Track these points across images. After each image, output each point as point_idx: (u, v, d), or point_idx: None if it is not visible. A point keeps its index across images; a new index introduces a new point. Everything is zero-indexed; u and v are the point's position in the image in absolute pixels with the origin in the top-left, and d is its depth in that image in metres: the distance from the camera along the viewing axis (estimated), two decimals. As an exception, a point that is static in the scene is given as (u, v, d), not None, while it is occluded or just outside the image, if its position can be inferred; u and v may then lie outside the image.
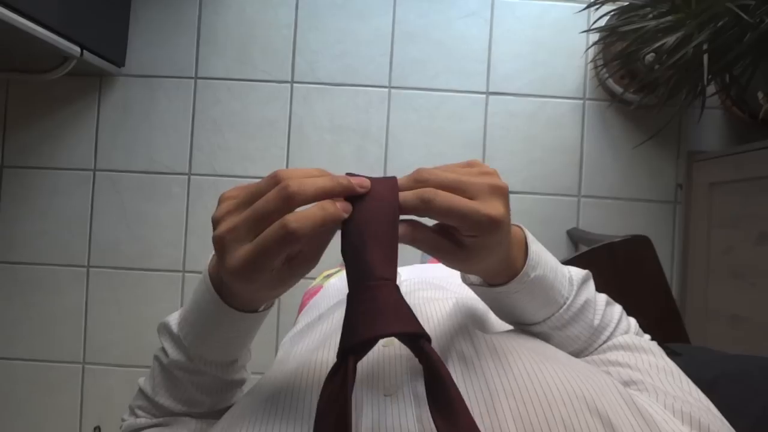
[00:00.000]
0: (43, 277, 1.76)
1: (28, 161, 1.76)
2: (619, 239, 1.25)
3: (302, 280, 0.39)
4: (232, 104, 1.76)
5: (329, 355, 0.42)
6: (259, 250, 0.30)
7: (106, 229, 1.76)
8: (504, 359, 0.36)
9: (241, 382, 0.51)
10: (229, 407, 0.51)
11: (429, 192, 0.33)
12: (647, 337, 0.49)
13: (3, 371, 1.75)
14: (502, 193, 0.35)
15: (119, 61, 1.71)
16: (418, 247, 0.37)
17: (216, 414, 0.49)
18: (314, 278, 0.99)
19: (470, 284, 0.45)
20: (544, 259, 0.43)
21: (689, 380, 0.40)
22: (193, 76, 1.77)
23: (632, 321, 0.51)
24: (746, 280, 1.36)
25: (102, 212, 1.76)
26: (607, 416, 0.31)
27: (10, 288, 1.76)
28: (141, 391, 0.48)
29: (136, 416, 0.48)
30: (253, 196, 0.32)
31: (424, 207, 0.33)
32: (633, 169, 1.73)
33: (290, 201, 0.30)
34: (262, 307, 0.42)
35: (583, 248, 1.35)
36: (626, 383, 0.39)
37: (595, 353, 0.47)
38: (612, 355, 0.44)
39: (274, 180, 0.31)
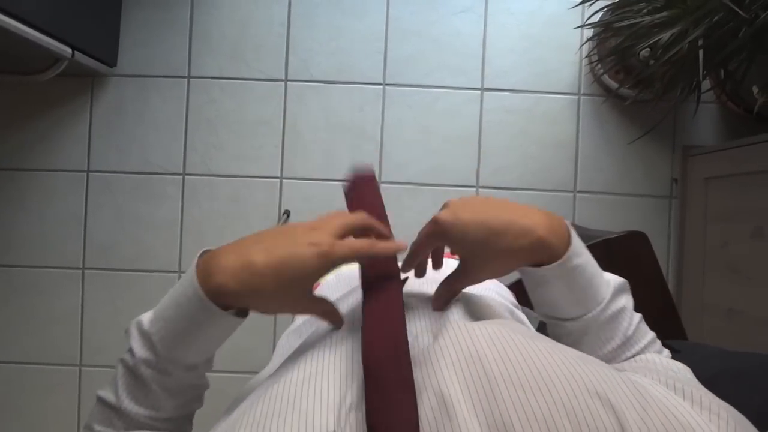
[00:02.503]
0: (38, 279, 1.75)
1: (21, 163, 1.75)
2: (615, 235, 1.25)
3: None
4: (225, 103, 1.75)
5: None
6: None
7: (101, 230, 1.75)
8: (501, 347, 0.36)
9: (203, 388, 0.52)
10: (190, 415, 0.52)
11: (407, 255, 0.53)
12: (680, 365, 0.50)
13: (-1, 375, 1.74)
14: (441, 208, 0.49)
15: (111, 62, 1.70)
16: (459, 291, 0.51)
17: (178, 423, 0.50)
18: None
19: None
20: (587, 254, 0.48)
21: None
22: (186, 75, 1.75)
23: (665, 350, 0.53)
24: (742, 274, 1.36)
25: (96, 213, 1.75)
26: (607, 398, 0.31)
27: (5, 291, 1.75)
28: (101, 402, 0.46)
29: None
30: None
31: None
32: (628, 164, 1.73)
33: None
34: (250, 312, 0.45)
35: (580, 245, 1.35)
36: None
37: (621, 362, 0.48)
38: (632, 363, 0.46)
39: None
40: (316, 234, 0.43)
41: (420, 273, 0.56)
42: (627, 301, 0.50)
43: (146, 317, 0.46)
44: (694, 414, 0.31)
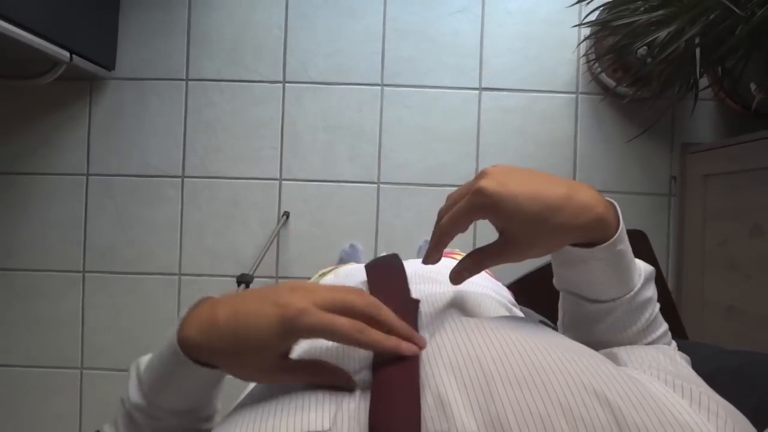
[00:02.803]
0: (39, 283, 1.75)
1: (21, 167, 1.75)
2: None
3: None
4: (224, 105, 1.76)
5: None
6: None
7: (101, 233, 1.75)
8: (499, 345, 0.36)
9: (201, 429, 0.49)
10: None
11: (438, 232, 0.45)
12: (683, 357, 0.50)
13: (1, 378, 1.75)
14: (480, 176, 0.43)
15: (109, 65, 1.70)
16: (487, 268, 0.46)
17: None
18: (309, 278, 0.99)
19: None
20: (627, 239, 0.45)
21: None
22: (185, 78, 1.76)
23: (673, 342, 0.52)
24: (741, 271, 1.36)
25: (96, 217, 1.76)
26: (604, 394, 0.31)
27: (7, 295, 1.75)
28: None
29: None
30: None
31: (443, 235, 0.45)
32: (627, 162, 1.73)
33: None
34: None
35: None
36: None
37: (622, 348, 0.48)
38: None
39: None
40: (292, 295, 0.37)
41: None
42: (653, 291, 0.50)
43: (144, 359, 0.44)
44: (692, 413, 0.31)
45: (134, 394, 0.43)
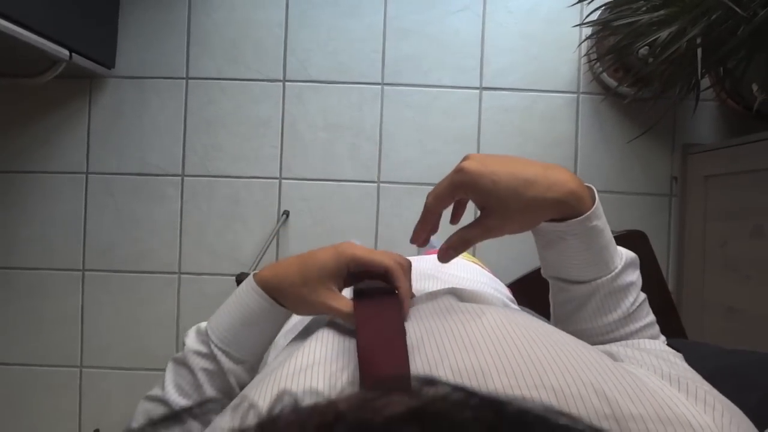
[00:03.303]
0: (39, 281, 1.75)
1: (20, 166, 1.75)
2: (614, 234, 1.25)
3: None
4: (224, 104, 1.75)
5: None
6: None
7: (101, 232, 1.75)
8: (495, 337, 0.37)
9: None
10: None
11: (425, 208, 0.49)
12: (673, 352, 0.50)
13: (1, 376, 1.75)
14: (463, 159, 0.47)
15: (109, 63, 1.70)
16: (472, 244, 0.49)
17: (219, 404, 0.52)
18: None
19: None
20: (605, 220, 0.48)
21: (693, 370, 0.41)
22: (185, 76, 1.75)
23: (662, 336, 0.53)
24: (741, 272, 1.36)
25: (96, 215, 1.75)
26: (600, 387, 0.31)
27: (6, 293, 1.75)
28: (147, 398, 0.51)
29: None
30: None
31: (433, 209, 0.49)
32: (628, 162, 1.73)
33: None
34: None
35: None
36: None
37: (619, 344, 0.48)
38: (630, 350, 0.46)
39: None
40: (340, 245, 0.49)
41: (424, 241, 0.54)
42: (637, 277, 0.51)
43: (202, 325, 0.51)
44: (689, 405, 0.31)
45: (194, 344, 0.50)
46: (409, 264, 0.50)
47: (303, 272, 0.47)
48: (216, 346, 0.48)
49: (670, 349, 0.47)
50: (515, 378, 0.32)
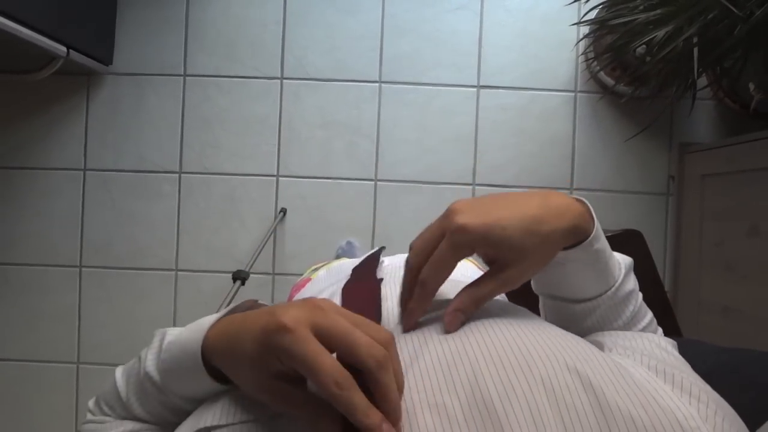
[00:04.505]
0: (36, 277, 1.75)
1: (18, 162, 1.75)
2: (611, 233, 1.25)
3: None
4: (221, 101, 1.75)
5: None
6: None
7: (98, 228, 1.75)
8: (483, 329, 0.37)
9: None
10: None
11: (422, 283, 0.41)
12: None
13: (-3, 372, 1.75)
14: (452, 214, 0.41)
15: (107, 60, 1.70)
16: (485, 302, 0.41)
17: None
18: (302, 273, 0.99)
19: None
20: (601, 231, 0.45)
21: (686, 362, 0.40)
22: (182, 73, 1.75)
23: (659, 329, 0.53)
24: (738, 272, 1.36)
25: (93, 212, 1.75)
26: (587, 377, 0.31)
27: (3, 289, 1.75)
28: (116, 387, 0.44)
29: (103, 416, 0.45)
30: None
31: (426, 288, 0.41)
32: (625, 161, 1.73)
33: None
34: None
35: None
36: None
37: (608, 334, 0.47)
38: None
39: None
40: (291, 309, 0.31)
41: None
42: (635, 282, 0.50)
43: (173, 332, 0.41)
44: (674, 397, 0.31)
45: (151, 367, 0.40)
46: (391, 337, 0.32)
47: (231, 350, 0.34)
48: (168, 388, 0.40)
49: (663, 338, 0.47)
50: (503, 368, 0.32)
